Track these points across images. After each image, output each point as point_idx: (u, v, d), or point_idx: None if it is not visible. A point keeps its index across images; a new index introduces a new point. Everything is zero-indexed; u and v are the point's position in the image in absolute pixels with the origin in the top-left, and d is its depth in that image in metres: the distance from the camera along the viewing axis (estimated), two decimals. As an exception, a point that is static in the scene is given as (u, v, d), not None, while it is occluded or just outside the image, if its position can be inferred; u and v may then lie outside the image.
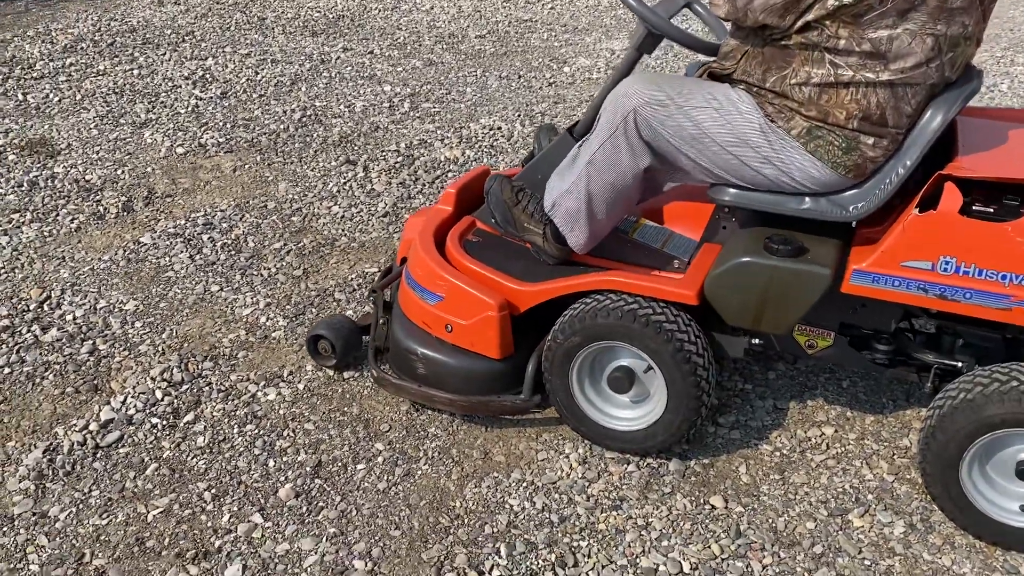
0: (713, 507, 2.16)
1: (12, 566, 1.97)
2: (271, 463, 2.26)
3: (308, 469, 2.24)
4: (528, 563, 1.99)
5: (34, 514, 2.11)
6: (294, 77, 5.03)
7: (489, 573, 1.96)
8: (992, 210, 1.89)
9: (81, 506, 2.13)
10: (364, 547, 2.02)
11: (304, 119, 4.45)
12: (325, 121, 4.44)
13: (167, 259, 3.18)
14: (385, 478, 2.22)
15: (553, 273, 2.32)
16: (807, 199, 2.07)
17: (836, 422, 2.43)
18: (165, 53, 5.31)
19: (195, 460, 2.27)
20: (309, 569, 1.97)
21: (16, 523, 2.08)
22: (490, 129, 4.34)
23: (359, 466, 2.26)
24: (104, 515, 2.10)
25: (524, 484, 2.21)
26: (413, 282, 2.42)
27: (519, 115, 4.52)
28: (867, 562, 2.01)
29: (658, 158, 2.15)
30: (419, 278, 2.40)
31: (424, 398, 2.36)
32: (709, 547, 2.04)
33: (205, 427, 2.38)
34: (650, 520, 2.11)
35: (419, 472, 2.25)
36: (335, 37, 5.77)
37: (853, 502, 2.18)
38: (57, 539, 2.04)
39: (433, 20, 6.18)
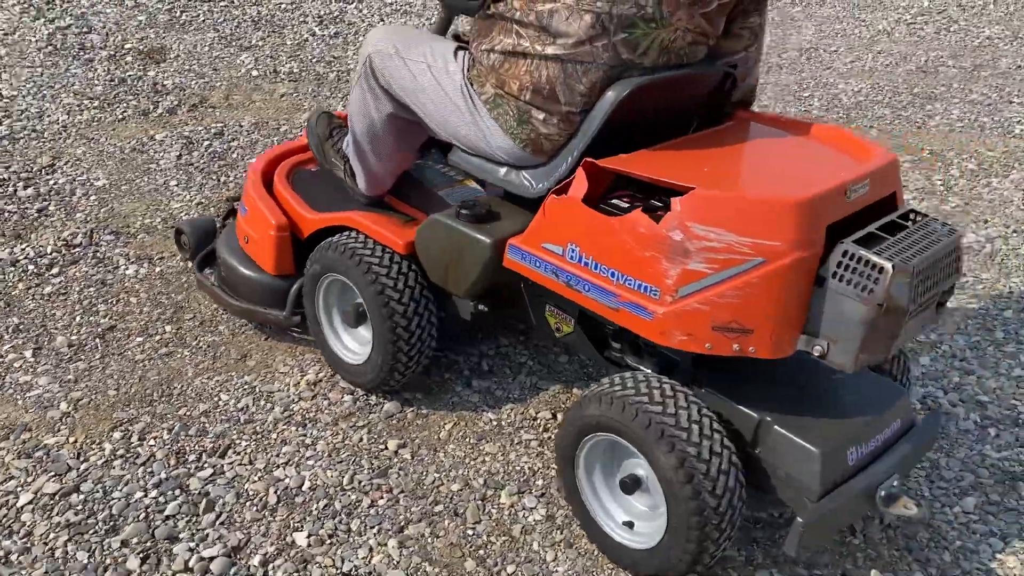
0: (385, 448, 2.24)
1: None
2: (78, 319, 2.66)
3: (99, 330, 2.61)
4: (183, 443, 2.21)
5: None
6: (412, 28, 5.39)
7: (147, 442, 2.21)
8: (627, 205, 1.81)
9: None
10: (79, 395, 2.35)
11: (384, 64, 4.80)
12: (401, 69, 4.76)
13: (161, 154, 3.68)
14: (147, 353, 2.53)
15: (333, 208, 2.48)
16: (505, 169, 2.08)
17: (579, 413, 2.38)
18: (323, -6, 5.91)
19: (29, 302, 2.72)
20: (26, 397, 2.34)
21: None
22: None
23: (138, 339, 2.59)
24: (-76, 323, 2.62)
25: (246, 386, 2.42)
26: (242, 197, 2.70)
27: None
28: (470, 532, 2.01)
29: (400, 107, 2.24)
30: (244, 192, 2.67)
31: (212, 295, 2.64)
32: (343, 476, 2.14)
33: (61, 281, 2.83)
34: (318, 442, 2.24)
35: (177, 356, 2.53)
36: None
37: (520, 483, 2.16)
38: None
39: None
